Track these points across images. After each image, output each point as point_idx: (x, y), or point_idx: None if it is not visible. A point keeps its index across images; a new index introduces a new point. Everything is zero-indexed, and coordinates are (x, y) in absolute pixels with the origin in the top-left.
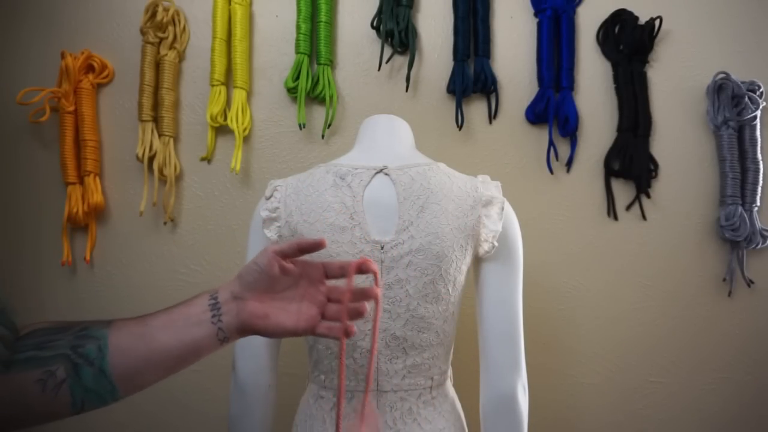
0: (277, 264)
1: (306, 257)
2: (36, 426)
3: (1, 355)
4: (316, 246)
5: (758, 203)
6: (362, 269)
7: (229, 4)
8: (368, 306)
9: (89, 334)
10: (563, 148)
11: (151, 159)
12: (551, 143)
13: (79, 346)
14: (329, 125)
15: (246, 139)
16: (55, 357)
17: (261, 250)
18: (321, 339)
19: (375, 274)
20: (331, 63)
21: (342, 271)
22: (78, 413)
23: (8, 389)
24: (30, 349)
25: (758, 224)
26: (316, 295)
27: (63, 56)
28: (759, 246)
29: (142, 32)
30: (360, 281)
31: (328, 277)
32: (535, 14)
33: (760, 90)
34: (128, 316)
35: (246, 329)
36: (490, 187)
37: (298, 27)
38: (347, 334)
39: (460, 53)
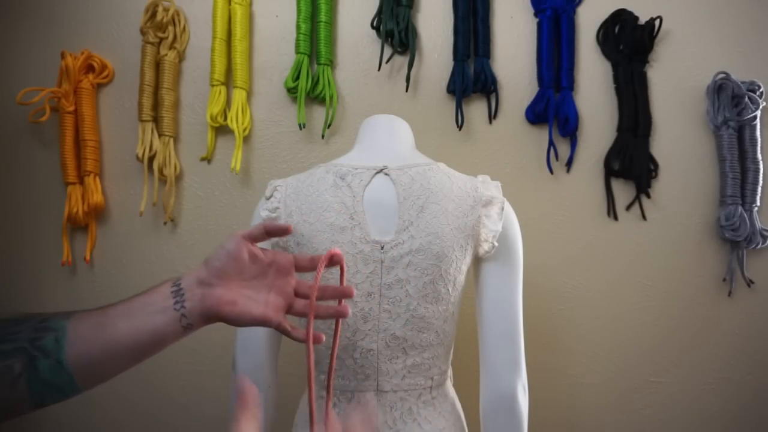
0: (245, 249)
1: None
2: None
3: None
4: (283, 231)
5: (758, 203)
6: (333, 261)
7: (229, 4)
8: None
9: (48, 326)
10: (563, 148)
11: (151, 159)
12: (551, 143)
13: (37, 338)
14: (329, 125)
15: (246, 139)
16: (12, 351)
17: (229, 235)
18: None
19: (342, 267)
20: (331, 63)
21: (312, 264)
22: (38, 407)
23: None
24: None
25: (758, 224)
26: (284, 286)
27: (63, 56)
28: (759, 246)
29: (142, 32)
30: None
31: (298, 269)
32: (535, 14)
33: (760, 90)
34: None
35: (211, 316)
36: (490, 187)
37: (298, 27)
38: (315, 339)
39: (460, 53)
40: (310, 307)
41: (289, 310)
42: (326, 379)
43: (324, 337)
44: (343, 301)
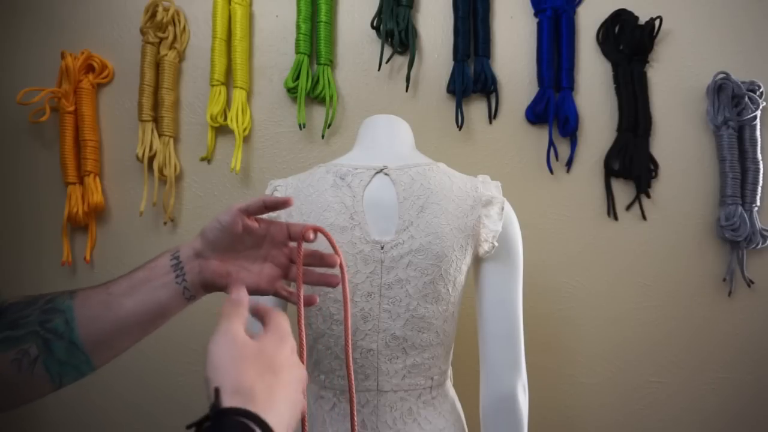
0: (240, 222)
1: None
2: (23, 405)
3: None
4: (283, 203)
5: (758, 203)
6: (316, 230)
7: (229, 4)
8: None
9: (55, 307)
10: (563, 148)
11: (151, 159)
12: (551, 143)
13: (46, 321)
14: (329, 125)
15: (246, 139)
16: (26, 335)
17: (225, 208)
18: (321, 339)
19: (329, 239)
20: (331, 63)
21: (303, 231)
22: (58, 388)
23: None
24: (4, 329)
25: (758, 224)
26: (278, 256)
27: (63, 56)
28: (759, 246)
29: (142, 32)
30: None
31: (291, 238)
32: (535, 14)
33: (760, 90)
34: None
35: (210, 287)
36: (490, 187)
37: (298, 27)
38: (308, 301)
39: (460, 53)
40: (298, 275)
41: (285, 277)
42: (326, 380)
43: (317, 299)
44: (331, 271)
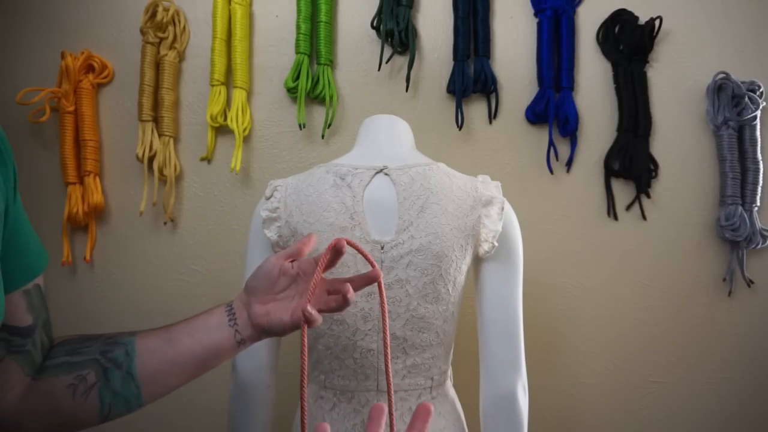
0: (278, 267)
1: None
2: None
3: (36, 361)
4: (308, 240)
5: (758, 203)
6: (336, 250)
7: (229, 4)
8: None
9: (117, 341)
10: (563, 148)
11: (151, 159)
12: (551, 143)
13: (107, 351)
14: (329, 125)
15: (246, 139)
16: (86, 362)
17: (264, 260)
18: (321, 339)
19: (359, 250)
20: (331, 63)
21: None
22: (102, 422)
23: (39, 394)
24: (62, 355)
25: (758, 224)
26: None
27: (63, 56)
28: (759, 246)
29: (142, 32)
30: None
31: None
32: (535, 14)
33: (760, 90)
34: (128, 315)
35: (258, 330)
36: (490, 187)
37: (298, 27)
38: (308, 321)
39: (460, 53)
40: (309, 296)
41: (323, 308)
42: (326, 380)
43: (320, 320)
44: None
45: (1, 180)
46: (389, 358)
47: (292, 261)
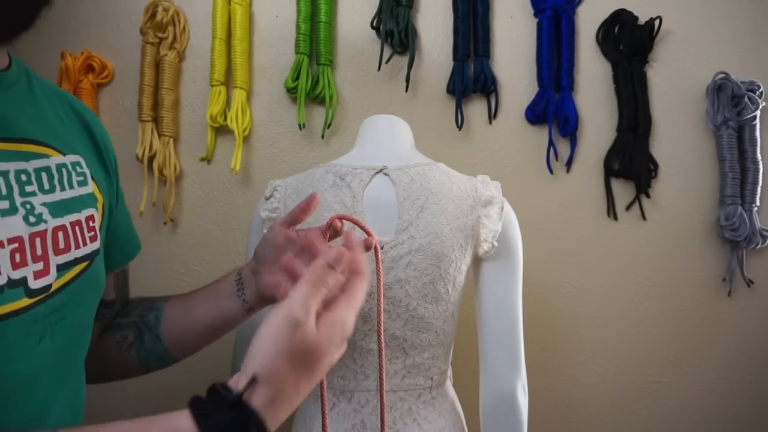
0: (281, 233)
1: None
2: (120, 379)
3: (106, 321)
4: (311, 200)
5: (758, 203)
6: (334, 226)
7: (229, 4)
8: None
9: (153, 306)
10: (563, 148)
11: (151, 159)
12: (551, 143)
13: (144, 315)
14: (329, 125)
15: (246, 139)
16: (128, 323)
17: (270, 227)
18: None
19: (355, 221)
20: (331, 63)
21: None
22: (146, 372)
23: (101, 349)
24: (117, 317)
25: (758, 224)
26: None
27: (63, 56)
28: (759, 246)
29: (142, 32)
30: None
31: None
32: (535, 14)
33: (760, 90)
34: None
35: (266, 299)
36: (489, 187)
37: (297, 27)
38: None
39: (460, 53)
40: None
41: None
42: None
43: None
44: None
45: (106, 186)
46: (383, 355)
47: (291, 230)
